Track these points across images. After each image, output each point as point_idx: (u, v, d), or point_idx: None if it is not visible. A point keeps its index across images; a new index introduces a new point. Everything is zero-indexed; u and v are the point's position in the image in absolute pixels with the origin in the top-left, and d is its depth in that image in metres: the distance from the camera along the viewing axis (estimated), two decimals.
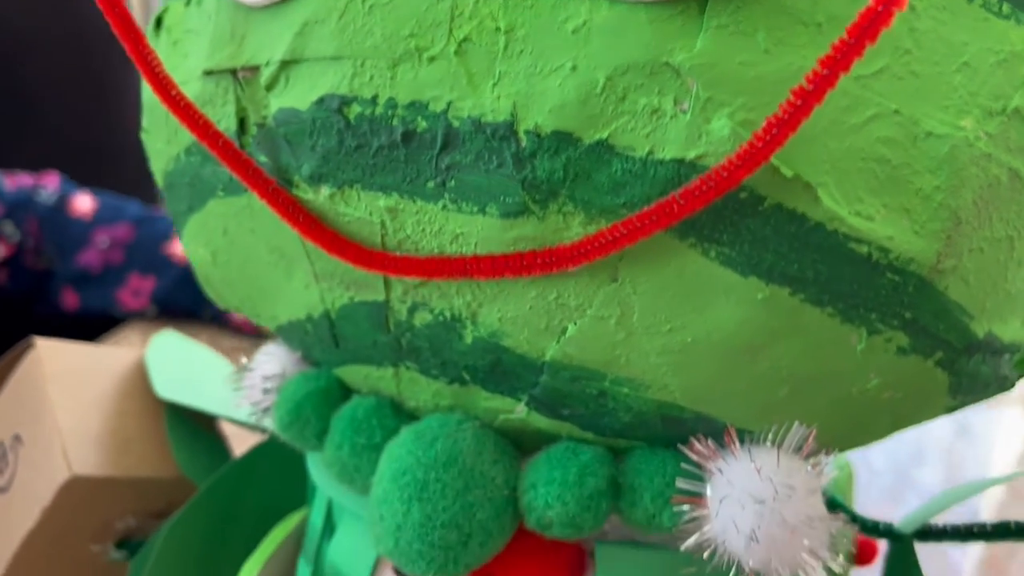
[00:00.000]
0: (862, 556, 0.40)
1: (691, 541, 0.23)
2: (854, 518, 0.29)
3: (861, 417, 0.23)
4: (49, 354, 0.37)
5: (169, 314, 0.72)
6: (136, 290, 0.71)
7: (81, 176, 0.87)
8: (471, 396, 0.25)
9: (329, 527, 0.30)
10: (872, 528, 0.29)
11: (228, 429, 0.41)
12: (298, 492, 0.36)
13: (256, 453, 0.33)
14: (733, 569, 0.22)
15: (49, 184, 0.71)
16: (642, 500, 0.23)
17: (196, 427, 0.38)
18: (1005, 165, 0.19)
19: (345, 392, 0.27)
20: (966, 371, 0.22)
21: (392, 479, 0.23)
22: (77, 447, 0.34)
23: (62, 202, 0.71)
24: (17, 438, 0.36)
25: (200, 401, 0.37)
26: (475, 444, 0.24)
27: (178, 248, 0.72)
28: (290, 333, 0.27)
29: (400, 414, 0.26)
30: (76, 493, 0.33)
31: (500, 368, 0.23)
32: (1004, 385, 0.23)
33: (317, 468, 0.30)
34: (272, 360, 0.28)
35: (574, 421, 0.24)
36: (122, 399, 0.37)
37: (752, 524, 0.21)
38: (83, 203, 0.71)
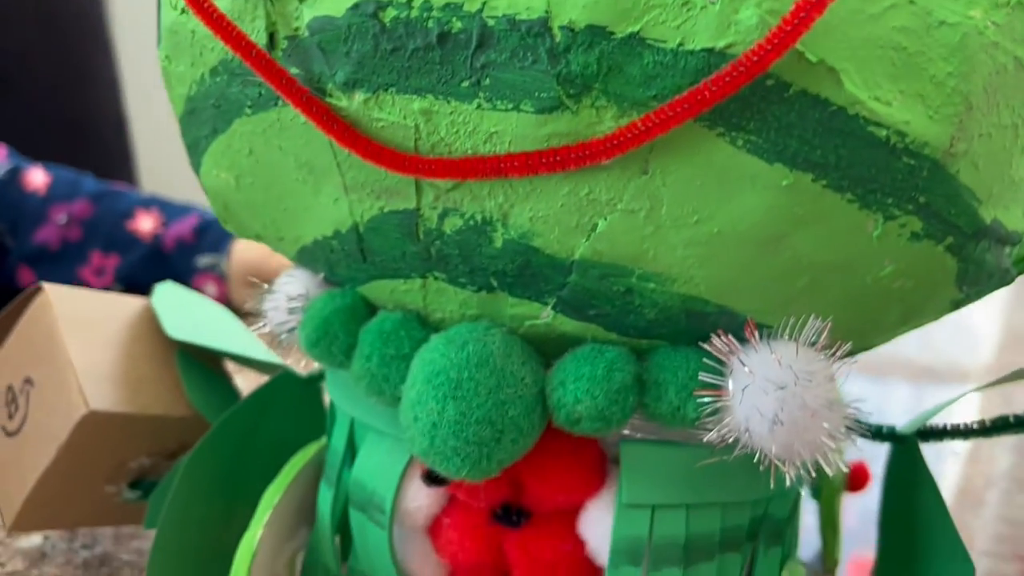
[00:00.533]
0: (855, 482, 0.41)
1: (714, 432, 0.24)
2: (859, 423, 0.30)
3: (874, 308, 0.24)
4: (58, 297, 0.37)
5: (135, 293, 0.71)
6: (99, 268, 0.69)
7: (56, 152, 0.86)
8: (498, 304, 0.25)
9: (350, 451, 0.31)
10: (876, 432, 0.30)
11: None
12: (311, 426, 0.36)
13: (269, 388, 0.34)
14: (756, 456, 0.23)
15: None
16: (667, 394, 0.24)
17: (206, 368, 0.39)
18: (1011, 53, 0.21)
19: (370, 309, 0.28)
20: (973, 258, 0.23)
21: (426, 380, 0.24)
22: (92, 384, 0.34)
23: (13, 176, 0.69)
24: (28, 381, 0.36)
25: (209, 340, 0.38)
26: (504, 347, 0.25)
27: (142, 224, 0.71)
28: (314, 253, 0.28)
29: (426, 327, 0.27)
30: (92, 430, 0.34)
31: (529, 271, 0.24)
32: (1005, 279, 0.25)
33: (339, 390, 0.31)
34: (295, 282, 0.29)
35: (599, 322, 0.25)
36: (132, 342, 0.37)
37: (775, 408, 0.23)
38: (36, 177, 0.69)
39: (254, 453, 0.34)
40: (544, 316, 0.25)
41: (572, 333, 0.25)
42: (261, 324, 0.30)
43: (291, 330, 0.29)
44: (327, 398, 0.33)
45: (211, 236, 0.70)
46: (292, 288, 0.29)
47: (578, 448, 0.27)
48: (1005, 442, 0.54)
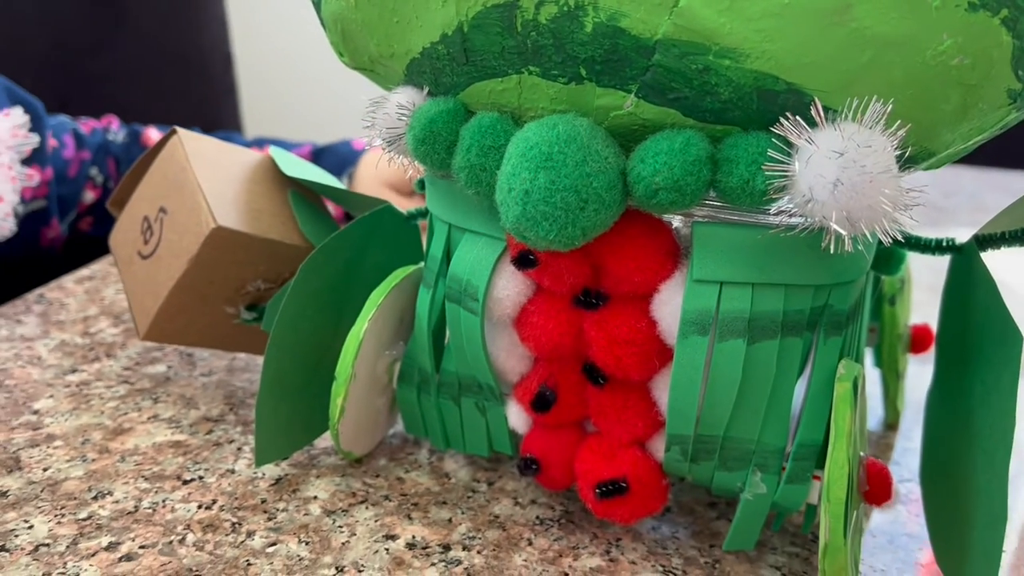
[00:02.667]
0: (918, 344, 0.43)
1: (781, 202, 0.26)
2: (910, 238, 0.32)
3: (933, 91, 0.26)
4: (188, 137, 0.41)
5: None
6: None
7: (168, 85, 0.92)
8: (585, 96, 0.28)
9: (446, 257, 0.34)
10: (937, 245, 0.32)
11: None
12: (409, 256, 0.40)
13: (375, 216, 0.38)
14: (819, 236, 0.26)
15: (113, 125, 0.74)
16: (738, 168, 0.27)
17: (315, 207, 0.43)
18: None
19: (469, 114, 0.31)
20: None
21: (520, 154, 0.27)
22: (219, 206, 0.38)
23: (135, 136, 0.74)
24: (162, 210, 0.40)
25: (316, 178, 0.41)
26: (590, 129, 0.28)
27: None
28: (422, 65, 0.31)
29: (519, 125, 0.30)
30: (218, 245, 0.38)
31: (615, 56, 0.27)
32: None
33: (438, 201, 0.34)
34: (403, 95, 0.32)
35: (678, 106, 0.27)
36: (251, 181, 0.41)
37: (836, 172, 0.25)
38: (154, 134, 0.74)
39: (359, 272, 0.38)
40: (627, 105, 0.28)
41: (652, 120, 0.28)
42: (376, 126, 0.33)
43: (398, 137, 0.33)
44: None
45: (326, 160, 0.74)
46: (401, 98, 0.32)
47: (654, 233, 0.29)
48: None
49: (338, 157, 0.73)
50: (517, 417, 0.34)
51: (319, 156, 0.74)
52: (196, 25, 1.00)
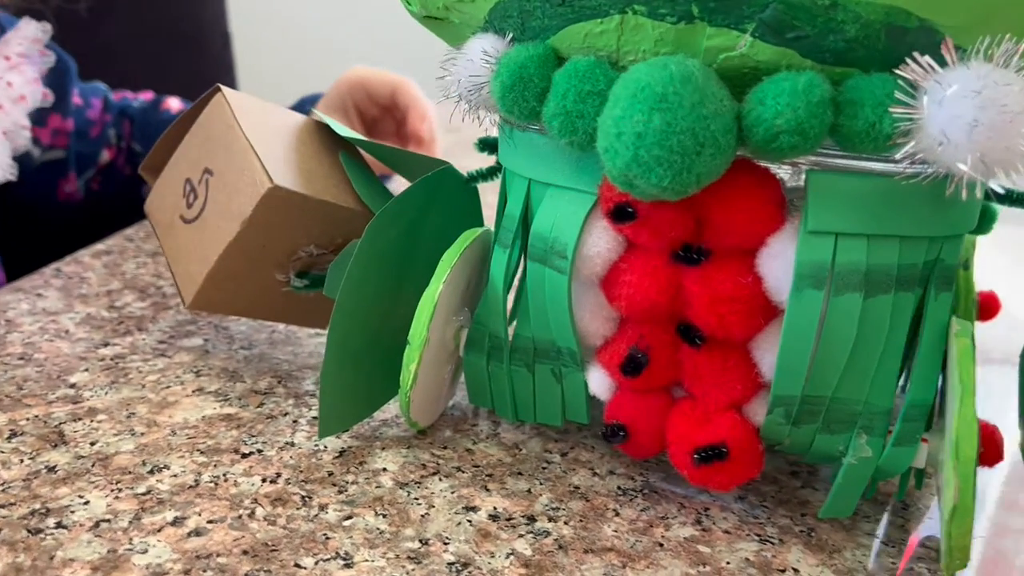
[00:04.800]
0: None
1: (908, 147, 0.25)
2: (1012, 192, 0.31)
3: None
4: (233, 96, 0.39)
5: None
6: None
7: (168, 62, 0.89)
8: (694, 36, 0.27)
9: (525, 216, 0.32)
10: None
11: None
12: (470, 220, 0.38)
13: (435, 177, 0.36)
14: (943, 180, 0.25)
15: (144, 96, 0.75)
16: (863, 110, 0.25)
17: (367, 169, 0.41)
18: None
19: (560, 60, 0.30)
20: None
21: (631, 95, 0.26)
22: (273, 166, 0.36)
23: (155, 104, 0.74)
24: (207, 171, 0.38)
25: (367, 142, 0.40)
26: (703, 70, 0.26)
27: None
28: (508, 7, 0.30)
29: (619, 70, 0.28)
30: (274, 205, 0.36)
31: None
32: None
33: (518, 155, 0.32)
34: (485, 41, 0.31)
35: (797, 46, 0.26)
36: (300, 141, 0.39)
37: (974, 112, 0.24)
38: (174, 103, 0.74)
39: (420, 236, 0.36)
40: (740, 46, 0.26)
41: (767, 62, 0.26)
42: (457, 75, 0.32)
43: (480, 86, 0.31)
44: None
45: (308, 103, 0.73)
46: (484, 44, 0.31)
47: (763, 183, 0.28)
48: None
49: (309, 104, 0.73)
50: (600, 382, 0.33)
51: (298, 108, 0.73)
52: (194, 2, 0.98)
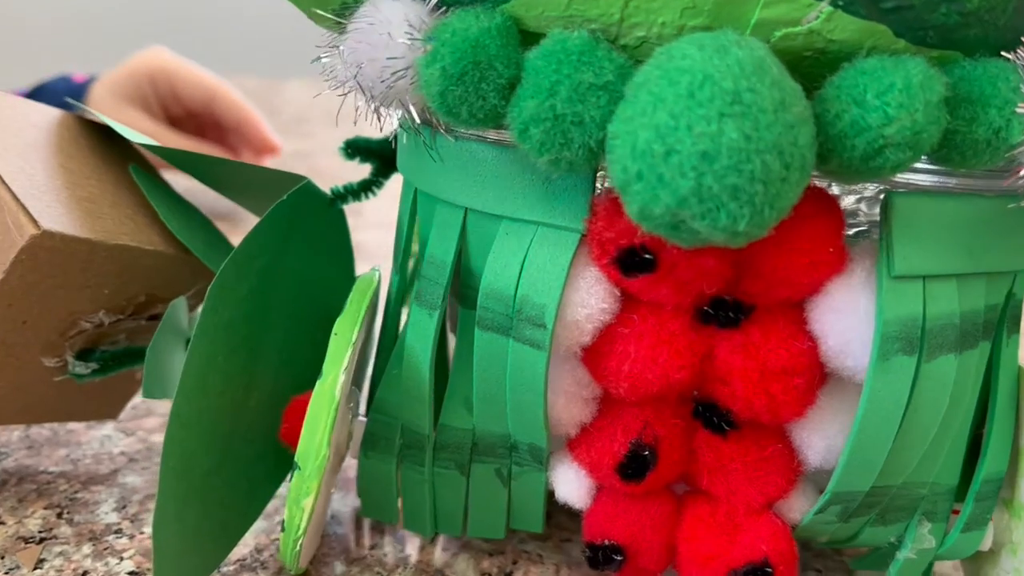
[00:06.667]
0: None
1: None
2: None
3: None
4: None
5: None
6: None
7: None
8: (740, 6, 0.18)
9: (459, 259, 0.22)
10: None
11: None
12: (338, 258, 0.28)
13: (289, 205, 0.24)
14: None
15: None
16: (986, 113, 0.18)
17: (164, 186, 0.28)
18: None
19: (526, 36, 0.20)
20: None
21: (687, 95, 0.17)
22: (34, 201, 0.23)
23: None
24: None
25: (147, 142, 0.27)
26: (771, 55, 0.18)
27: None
28: None
29: (623, 51, 0.19)
30: (42, 261, 0.23)
31: None
32: None
33: (446, 176, 0.22)
34: (403, 6, 0.20)
35: (893, 20, 0.18)
36: (66, 156, 0.26)
37: None
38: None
39: (276, 287, 0.25)
40: (811, 18, 0.18)
41: (844, 42, 0.19)
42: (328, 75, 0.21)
43: (398, 74, 0.20)
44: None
45: (42, 100, 0.56)
46: (400, 13, 0.20)
47: (823, 210, 0.20)
48: None
49: (56, 95, 0.57)
50: (573, 485, 0.24)
51: (33, 98, 0.57)
52: None
